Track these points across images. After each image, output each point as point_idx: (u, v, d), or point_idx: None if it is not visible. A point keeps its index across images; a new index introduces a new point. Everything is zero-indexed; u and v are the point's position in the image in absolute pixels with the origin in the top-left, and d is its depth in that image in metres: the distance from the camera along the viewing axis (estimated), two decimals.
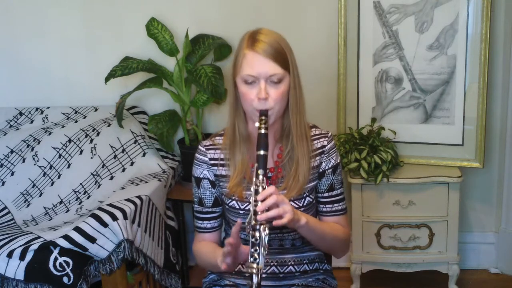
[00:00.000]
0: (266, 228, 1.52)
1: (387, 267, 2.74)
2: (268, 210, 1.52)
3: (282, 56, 1.61)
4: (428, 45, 2.64)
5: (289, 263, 1.78)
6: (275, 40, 1.62)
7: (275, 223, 1.53)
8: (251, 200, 1.55)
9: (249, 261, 1.51)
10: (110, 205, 2.20)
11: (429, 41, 2.64)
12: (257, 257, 1.50)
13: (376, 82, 2.74)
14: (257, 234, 1.51)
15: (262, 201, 1.52)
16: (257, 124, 1.61)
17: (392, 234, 2.68)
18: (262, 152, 1.57)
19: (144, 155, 2.71)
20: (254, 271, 1.49)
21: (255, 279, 1.49)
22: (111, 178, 2.67)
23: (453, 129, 2.68)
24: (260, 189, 1.54)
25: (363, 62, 2.73)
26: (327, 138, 1.75)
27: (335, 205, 1.77)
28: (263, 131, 1.59)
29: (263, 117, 1.60)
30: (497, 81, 2.77)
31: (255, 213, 1.51)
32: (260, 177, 1.55)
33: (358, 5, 2.68)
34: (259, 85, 1.60)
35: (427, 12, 2.62)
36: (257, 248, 1.50)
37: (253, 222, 1.52)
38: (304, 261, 1.80)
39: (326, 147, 1.75)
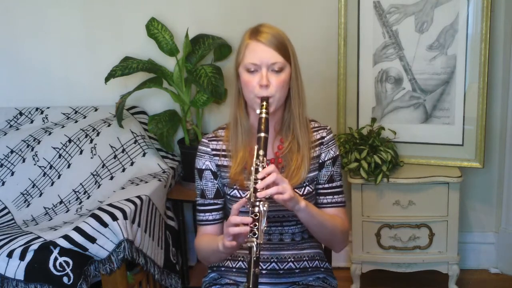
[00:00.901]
0: (266, 204, 1.55)
1: (387, 267, 2.74)
2: (268, 188, 1.55)
3: (283, 46, 1.67)
4: (428, 45, 2.64)
5: (289, 260, 1.79)
6: (276, 32, 1.69)
7: (276, 197, 1.56)
8: (251, 178, 1.58)
9: (248, 235, 1.53)
10: (110, 205, 2.20)
11: (429, 41, 2.64)
12: (256, 231, 1.53)
13: (376, 82, 2.74)
14: (256, 209, 1.54)
15: (262, 179, 1.55)
16: (258, 111, 1.65)
17: (392, 234, 2.68)
18: (262, 134, 1.61)
19: (144, 155, 2.71)
20: (254, 244, 1.52)
21: (253, 253, 1.52)
22: (111, 178, 2.67)
23: (453, 129, 2.68)
24: (260, 168, 1.57)
25: (363, 62, 2.73)
26: (326, 130, 1.80)
27: (335, 196, 1.79)
28: (264, 115, 1.63)
29: (264, 103, 1.65)
30: (497, 81, 2.77)
31: (255, 190, 1.55)
32: (260, 157, 1.59)
33: (358, 5, 2.68)
34: (260, 72, 1.65)
35: (427, 12, 2.62)
36: (257, 223, 1.53)
37: (252, 199, 1.55)
38: (304, 258, 1.81)
39: (325, 138, 1.79)
